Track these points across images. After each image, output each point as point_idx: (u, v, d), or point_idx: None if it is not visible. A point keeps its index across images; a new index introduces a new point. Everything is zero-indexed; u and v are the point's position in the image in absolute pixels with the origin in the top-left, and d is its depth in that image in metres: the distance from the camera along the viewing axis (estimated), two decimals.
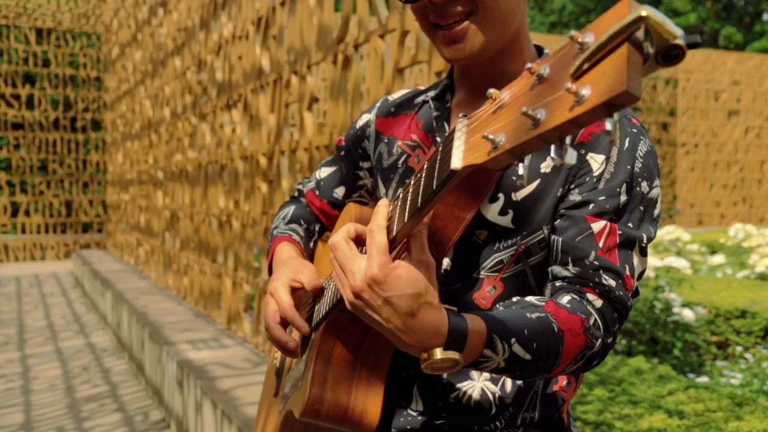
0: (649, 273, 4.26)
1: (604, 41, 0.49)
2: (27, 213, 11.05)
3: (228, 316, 4.04)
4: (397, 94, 1.17)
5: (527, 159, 0.90)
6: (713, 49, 21.15)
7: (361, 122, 1.17)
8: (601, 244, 0.88)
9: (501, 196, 0.92)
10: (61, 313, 6.70)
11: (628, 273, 0.89)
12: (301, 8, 3.05)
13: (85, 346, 5.36)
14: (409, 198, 0.75)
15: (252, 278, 3.69)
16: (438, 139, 1.01)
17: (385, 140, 1.10)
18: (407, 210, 0.74)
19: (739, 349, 4.23)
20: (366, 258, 0.76)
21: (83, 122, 11.37)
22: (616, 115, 0.79)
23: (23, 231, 11.01)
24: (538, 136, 0.53)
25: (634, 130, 0.91)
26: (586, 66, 0.50)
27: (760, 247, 7.09)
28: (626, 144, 0.90)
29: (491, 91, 0.63)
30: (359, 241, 0.82)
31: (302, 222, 1.18)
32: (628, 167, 0.89)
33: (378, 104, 1.16)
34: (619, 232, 0.88)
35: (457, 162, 0.64)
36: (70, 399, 4.01)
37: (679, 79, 14.77)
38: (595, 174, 0.89)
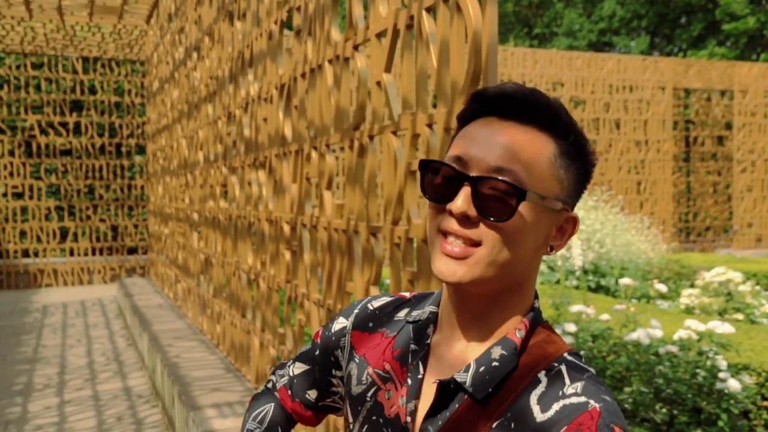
0: (692, 336, 4.06)
1: None
2: (75, 237, 11.31)
3: (256, 375, 4.01)
4: (378, 302, 1.09)
5: None
6: None
7: (337, 327, 1.10)
8: None
9: None
10: (102, 349, 6.80)
11: None
12: (320, 84, 2.99)
13: (122, 390, 5.41)
14: None
15: (278, 344, 3.64)
16: (409, 380, 0.93)
17: (357, 360, 1.04)
18: None
19: None
20: None
21: (128, 147, 11.59)
22: None
23: (71, 254, 11.27)
24: None
25: None
26: None
27: None
28: None
29: None
30: None
31: (279, 430, 1.11)
32: None
33: (357, 310, 1.10)
34: None
35: None
36: None
37: (735, 91, 14.25)
38: None
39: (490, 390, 0.87)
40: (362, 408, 1.00)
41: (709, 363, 3.89)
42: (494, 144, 0.86)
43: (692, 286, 7.41)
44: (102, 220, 11.43)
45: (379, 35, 2.46)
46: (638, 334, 3.72)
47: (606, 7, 28.64)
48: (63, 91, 11.22)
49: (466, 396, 0.88)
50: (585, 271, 7.65)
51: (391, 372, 0.98)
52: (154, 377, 5.25)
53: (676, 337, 4.10)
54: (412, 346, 0.96)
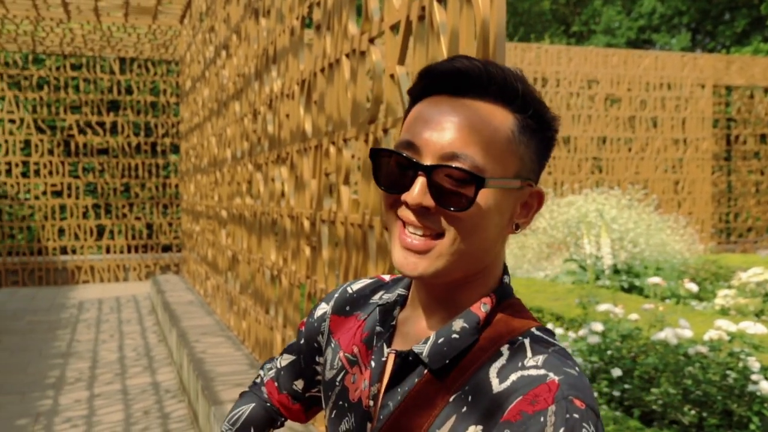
0: (723, 336, 3.95)
1: None
2: (111, 235, 11.52)
3: None
4: (357, 285, 1.07)
5: (447, 426, 0.78)
6: None
7: (318, 313, 1.09)
8: None
9: None
10: (134, 344, 6.90)
11: None
12: (338, 79, 2.98)
13: (150, 385, 5.47)
14: None
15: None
16: (373, 363, 0.91)
17: (332, 344, 1.02)
18: None
19: None
20: None
21: (163, 146, 11.76)
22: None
23: (107, 252, 11.48)
24: None
25: (575, 416, 0.75)
26: None
27: None
28: None
29: None
30: None
31: (252, 431, 1.09)
32: None
33: (336, 294, 1.08)
34: None
35: None
36: None
37: None
38: None
39: (448, 362, 0.84)
40: (332, 393, 0.98)
41: (740, 364, 3.78)
42: (447, 126, 0.82)
43: (729, 287, 7.22)
44: (137, 218, 11.62)
45: (393, 27, 2.44)
46: (665, 334, 3.62)
47: (646, 4, 28.10)
48: (101, 91, 11.44)
49: (426, 370, 0.85)
50: (617, 271, 7.51)
51: (358, 355, 0.96)
52: (181, 372, 5.31)
53: (706, 337, 3.99)
54: (378, 328, 0.94)
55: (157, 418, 4.67)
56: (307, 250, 3.50)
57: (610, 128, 12.74)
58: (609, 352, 3.99)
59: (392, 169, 0.84)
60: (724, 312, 5.79)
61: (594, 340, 3.87)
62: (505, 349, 0.84)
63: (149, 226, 11.75)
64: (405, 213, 0.83)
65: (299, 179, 3.65)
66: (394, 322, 0.94)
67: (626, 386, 3.84)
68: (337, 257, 3.10)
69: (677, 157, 13.30)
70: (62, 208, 11.31)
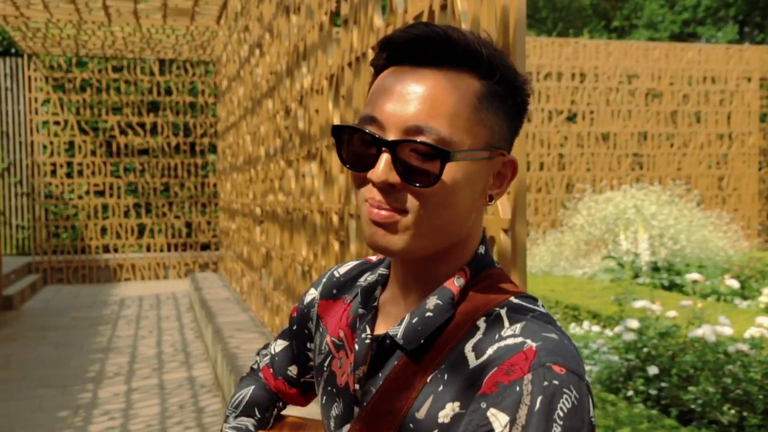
0: (765, 334, 3.83)
1: None
2: (152, 234, 11.72)
3: None
4: (344, 268, 1.06)
5: (425, 407, 0.77)
6: None
7: (308, 298, 1.08)
8: None
9: None
10: (171, 340, 7.01)
11: None
12: (365, 73, 2.97)
13: (186, 380, 5.55)
14: None
15: None
16: (357, 346, 0.89)
17: (321, 329, 1.01)
18: None
19: None
20: None
21: (201, 146, 11.92)
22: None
23: (148, 250, 11.69)
24: None
25: (555, 382, 0.72)
26: None
27: None
28: (538, 404, 0.71)
29: None
30: None
31: (256, 412, 1.09)
32: None
33: (324, 279, 1.07)
34: None
35: None
36: None
37: None
38: None
39: (423, 342, 0.82)
40: (321, 379, 0.97)
41: None
42: (410, 98, 0.78)
43: None
44: (177, 217, 11.80)
45: (417, 17, 2.42)
46: (703, 331, 3.53)
47: None
48: (141, 92, 11.65)
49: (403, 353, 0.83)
50: (657, 269, 7.35)
51: (344, 339, 0.94)
52: (216, 368, 5.36)
53: (747, 335, 3.87)
54: (360, 310, 0.92)
55: (192, 412, 4.73)
56: (336, 245, 3.50)
57: (651, 123, 12.48)
58: (645, 350, 3.89)
59: (356, 147, 0.82)
60: None
61: (629, 337, 3.79)
62: (481, 323, 0.81)
63: (188, 225, 11.92)
64: (371, 193, 0.80)
65: (328, 174, 3.65)
66: (375, 303, 0.92)
67: (663, 384, 3.75)
68: (365, 251, 3.09)
69: (722, 152, 12.96)
70: (104, 207, 11.56)
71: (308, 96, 4.11)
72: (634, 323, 3.82)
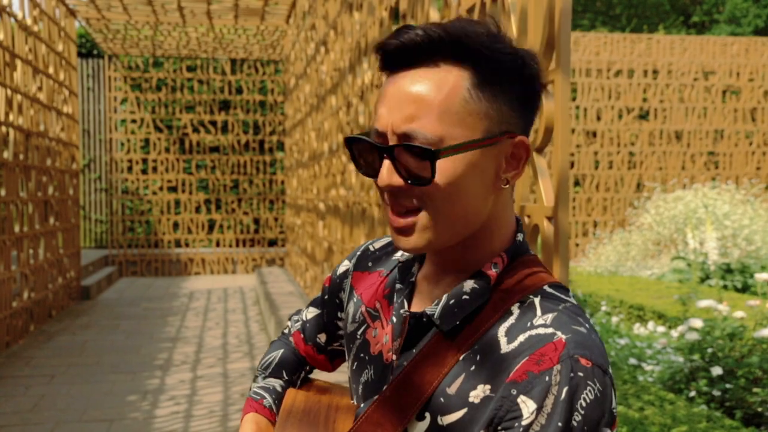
0: None
1: None
2: (221, 229, 12.06)
3: None
4: (379, 243, 1.10)
5: (456, 384, 0.80)
6: None
7: (341, 269, 1.13)
8: None
9: (428, 416, 0.84)
10: (236, 332, 7.21)
11: None
12: None
13: (249, 369, 5.70)
14: None
15: None
16: (394, 318, 0.93)
17: (355, 299, 1.06)
18: None
19: None
20: None
21: (270, 144, 12.18)
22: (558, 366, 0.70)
23: (217, 245, 12.04)
24: None
25: (580, 374, 0.76)
26: None
27: None
28: (564, 393, 0.75)
29: None
30: None
31: (284, 374, 1.14)
32: (559, 424, 0.74)
33: (359, 252, 1.11)
34: None
35: None
36: (223, 428, 4.27)
37: None
38: (524, 422, 0.76)
39: (458, 323, 0.86)
40: (353, 345, 1.01)
41: None
42: (402, 103, 0.82)
43: None
44: (245, 213, 12.10)
45: (469, 10, 2.43)
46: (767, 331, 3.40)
47: None
48: (213, 91, 12.00)
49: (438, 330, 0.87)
50: (730, 270, 7.09)
51: (380, 310, 0.98)
52: None
53: None
54: (398, 285, 0.96)
55: None
56: None
57: (728, 121, 12.02)
58: (710, 350, 3.78)
59: (365, 155, 0.87)
60: None
61: (692, 336, 3.68)
62: (515, 308, 0.85)
63: (256, 221, 12.21)
64: (386, 196, 0.86)
65: None
66: (413, 279, 0.96)
67: (728, 386, 3.63)
68: None
69: None
70: (177, 203, 11.96)
71: (368, 91, 4.16)
72: (697, 322, 3.71)
